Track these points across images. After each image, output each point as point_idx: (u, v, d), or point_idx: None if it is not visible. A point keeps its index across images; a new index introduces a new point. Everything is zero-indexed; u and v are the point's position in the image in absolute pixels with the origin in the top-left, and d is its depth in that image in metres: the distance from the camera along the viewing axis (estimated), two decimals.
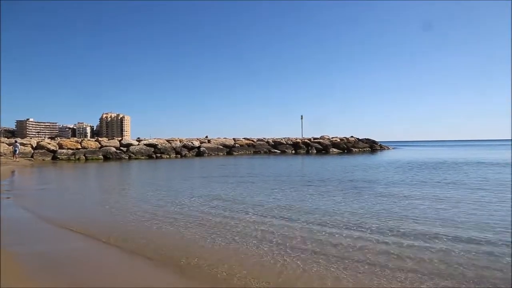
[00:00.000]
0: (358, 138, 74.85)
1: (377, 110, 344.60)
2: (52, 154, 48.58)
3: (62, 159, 47.55)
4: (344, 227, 8.77)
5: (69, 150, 50.20)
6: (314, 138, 71.37)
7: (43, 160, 46.09)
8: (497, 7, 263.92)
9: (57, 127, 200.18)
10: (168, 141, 59.13)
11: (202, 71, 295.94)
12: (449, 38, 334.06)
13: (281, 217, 10.10)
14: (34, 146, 49.36)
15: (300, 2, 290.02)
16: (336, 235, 7.99)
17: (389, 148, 76.04)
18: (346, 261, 6.28)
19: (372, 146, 73.52)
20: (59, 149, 50.02)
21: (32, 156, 46.63)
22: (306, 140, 69.36)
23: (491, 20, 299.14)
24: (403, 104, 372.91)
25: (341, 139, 71.75)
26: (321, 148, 66.97)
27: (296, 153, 62.61)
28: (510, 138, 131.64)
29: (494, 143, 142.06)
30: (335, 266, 6.02)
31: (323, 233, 8.21)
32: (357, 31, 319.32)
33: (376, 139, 75.33)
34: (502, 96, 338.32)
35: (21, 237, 8.19)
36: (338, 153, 61.25)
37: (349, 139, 73.13)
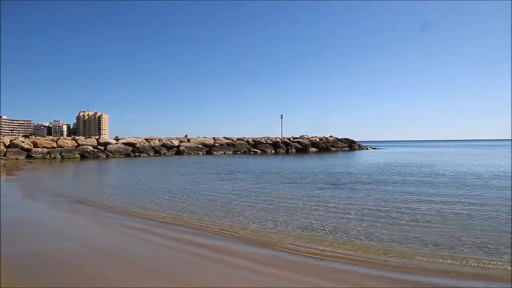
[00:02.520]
0: (337, 138, 76.02)
1: (372, 111, 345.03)
2: (26, 152, 47.46)
3: (37, 158, 46.50)
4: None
5: (44, 148, 49.15)
6: (294, 138, 71.99)
7: (17, 159, 44.95)
8: (497, 7, 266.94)
9: (31, 125, 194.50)
10: (147, 140, 58.64)
11: (185, 70, 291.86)
12: (447, 37, 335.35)
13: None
14: (7, 144, 48.03)
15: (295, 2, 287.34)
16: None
17: (367, 148, 77.43)
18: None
19: (351, 146, 74.83)
20: (33, 147, 48.89)
21: (5, 155, 45.39)
22: (286, 140, 69.90)
23: (491, 20, 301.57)
24: (397, 104, 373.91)
25: (320, 139, 72.67)
26: (300, 147, 67.67)
27: (276, 153, 63.03)
28: (510, 138, 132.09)
29: (491, 143, 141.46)
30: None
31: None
32: (351, 30, 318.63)
33: (371, 139, 76.89)
34: (501, 95, 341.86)
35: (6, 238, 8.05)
36: (317, 153, 62.03)
37: (328, 138, 74.17)
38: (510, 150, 56.14)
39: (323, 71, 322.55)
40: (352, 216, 9.84)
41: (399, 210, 10.54)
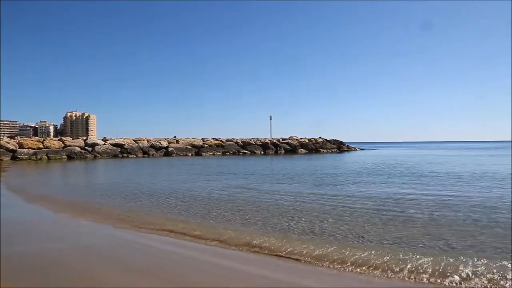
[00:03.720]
0: (326, 139, 76.51)
1: (368, 112, 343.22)
2: (12, 153, 46.68)
3: (22, 159, 45.77)
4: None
5: (30, 149, 48.43)
6: (283, 139, 72.28)
7: (1, 160, 44.17)
8: (497, 7, 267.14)
9: (17, 125, 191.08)
10: (135, 141, 58.23)
11: (176, 71, 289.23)
12: (446, 38, 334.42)
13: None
14: None
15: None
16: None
17: (356, 149, 78.08)
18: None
19: (339, 147, 75.38)
20: (19, 148, 48.13)
21: None
22: (274, 141, 70.15)
23: (491, 20, 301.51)
24: (394, 105, 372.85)
25: (309, 140, 73.11)
26: (289, 148, 68.02)
27: (265, 153, 63.27)
28: (510, 140, 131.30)
29: (489, 145, 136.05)
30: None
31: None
32: (350, 30, 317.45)
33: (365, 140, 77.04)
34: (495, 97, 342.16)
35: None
36: (306, 154, 62.51)
37: (317, 139, 74.66)
38: (510, 152, 56.51)
39: (312, 72, 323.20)
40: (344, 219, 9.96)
41: (389, 212, 10.71)
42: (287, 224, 9.32)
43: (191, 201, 13.26)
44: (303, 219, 9.80)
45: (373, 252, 6.79)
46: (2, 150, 46.52)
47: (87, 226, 9.56)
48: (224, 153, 61.89)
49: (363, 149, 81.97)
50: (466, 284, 5.29)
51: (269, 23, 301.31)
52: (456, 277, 5.51)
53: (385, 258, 6.40)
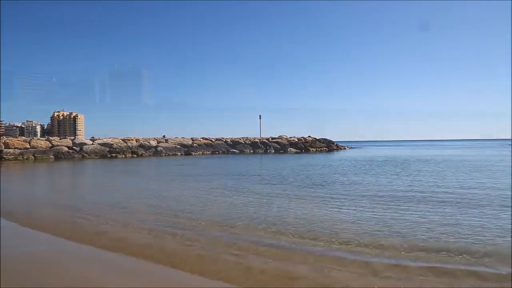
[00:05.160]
0: (315, 138, 76.78)
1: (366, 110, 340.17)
2: None
3: (8, 159, 45.12)
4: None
5: (16, 149, 47.77)
6: (272, 138, 72.40)
7: None
8: (497, 7, 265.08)
9: (3, 125, 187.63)
10: (124, 140, 57.75)
11: (167, 69, 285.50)
12: (445, 38, 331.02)
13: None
14: None
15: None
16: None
17: (345, 148, 78.60)
18: None
19: (329, 146, 75.74)
20: (5, 148, 47.41)
21: None
22: (264, 140, 70.25)
23: (490, 20, 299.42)
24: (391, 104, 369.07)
25: (298, 139, 73.34)
26: (279, 147, 68.20)
27: (254, 153, 63.38)
28: (510, 138, 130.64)
29: (488, 143, 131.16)
30: None
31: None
32: (348, 29, 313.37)
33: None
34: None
35: None
36: (296, 153, 62.80)
37: (307, 138, 74.91)
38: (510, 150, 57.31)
39: (309, 71, 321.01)
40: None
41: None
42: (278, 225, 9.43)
43: (184, 205, 13.30)
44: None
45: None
46: None
47: (79, 227, 9.54)
48: (213, 153, 61.80)
49: (351, 148, 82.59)
50: None
51: (266, 22, 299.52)
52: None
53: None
